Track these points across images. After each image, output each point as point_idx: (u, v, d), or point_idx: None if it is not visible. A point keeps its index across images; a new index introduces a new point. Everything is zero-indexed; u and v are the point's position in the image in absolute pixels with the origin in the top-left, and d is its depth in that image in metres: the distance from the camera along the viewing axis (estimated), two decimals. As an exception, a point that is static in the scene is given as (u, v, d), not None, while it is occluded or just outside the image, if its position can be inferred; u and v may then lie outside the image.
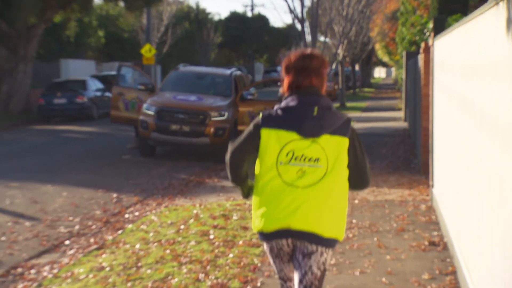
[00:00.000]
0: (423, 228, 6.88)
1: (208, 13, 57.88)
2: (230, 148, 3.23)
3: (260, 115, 3.16)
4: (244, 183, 3.31)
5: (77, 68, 34.62)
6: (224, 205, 8.18)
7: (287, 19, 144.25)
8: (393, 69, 77.14)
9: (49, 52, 34.25)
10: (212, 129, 12.62)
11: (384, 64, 71.60)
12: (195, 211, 7.82)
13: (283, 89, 3.24)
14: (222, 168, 12.05)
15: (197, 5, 56.47)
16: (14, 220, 7.49)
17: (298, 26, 18.49)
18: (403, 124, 20.34)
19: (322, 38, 42.16)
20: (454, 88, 5.59)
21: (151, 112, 12.80)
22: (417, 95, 12.02)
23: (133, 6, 25.31)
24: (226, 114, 12.81)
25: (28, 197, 8.82)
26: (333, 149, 3.07)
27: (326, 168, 3.05)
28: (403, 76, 22.15)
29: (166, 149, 14.56)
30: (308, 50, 3.22)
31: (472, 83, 4.35)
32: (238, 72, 15.05)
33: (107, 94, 24.57)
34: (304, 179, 3.04)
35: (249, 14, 67.97)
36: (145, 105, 13.02)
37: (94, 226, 7.43)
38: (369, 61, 57.09)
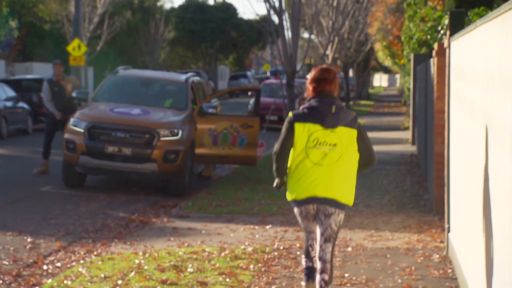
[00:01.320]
0: (436, 285, 6.93)
1: (157, 0, 58.11)
2: (277, 145, 5.75)
3: (291, 113, 5.73)
4: (284, 176, 5.81)
5: (-19, 70, 34.28)
6: (176, 253, 8.15)
7: (261, 10, 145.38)
8: (397, 76, 78.27)
9: None
10: (161, 153, 12.60)
11: (386, 70, 72.56)
12: (137, 261, 7.77)
13: (307, 93, 5.81)
14: (174, 203, 12.02)
15: (143, -11, 56.61)
16: None
17: (275, 18, 18.65)
18: (411, 148, 20.60)
19: (306, 35, 42.57)
20: (477, 103, 5.70)
21: (79, 129, 12.73)
22: (428, 110, 12.20)
23: (57, -11, 25.25)
24: (180, 133, 12.81)
25: None
26: (346, 137, 5.63)
27: (341, 151, 5.61)
28: (411, 86, 22.47)
29: (100, 178, 14.47)
30: (325, 66, 5.88)
31: (501, 97, 4.44)
32: (197, 78, 15.10)
33: (22, 105, 24.34)
34: (326, 159, 5.61)
35: (211, 1, 68.46)
36: (72, 120, 12.95)
37: (0, 282, 7.31)
38: (367, 65, 57.86)
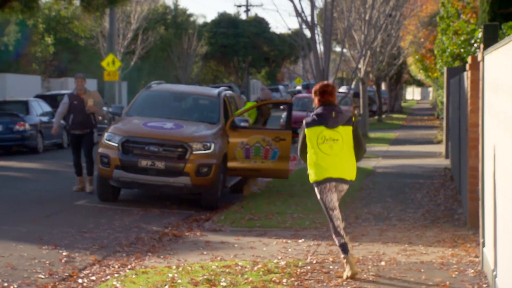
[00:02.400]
0: (472, 299, 6.84)
1: (190, 15, 58.50)
2: (298, 146, 7.94)
3: (304, 122, 7.80)
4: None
5: (17, 85, 34.76)
6: (209, 267, 8.15)
7: (293, 24, 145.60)
8: (430, 90, 77.75)
9: (-19, 64, 34.42)
10: (194, 166, 12.63)
11: (419, 83, 72.15)
12: (170, 275, 7.79)
13: (314, 103, 7.90)
14: (207, 217, 12.04)
15: (175, 5, 57.04)
16: None
17: (307, 32, 18.68)
18: (444, 162, 20.42)
19: (338, 49, 42.53)
20: (512, 116, 5.63)
21: (113, 144, 12.82)
22: (462, 124, 12.09)
23: (91, 6, 25.53)
24: (213, 147, 12.84)
25: (-50, 256, 8.77)
26: (344, 133, 7.72)
27: (342, 144, 7.69)
28: (444, 99, 22.30)
29: (133, 192, 14.56)
30: (326, 82, 8.00)
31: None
32: (229, 92, 15.14)
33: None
34: (333, 150, 7.68)
35: (243, 16, 68.72)
36: (106, 135, 13.06)
37: (36, 295, 7.38)
38: (399, 79, 57.59)
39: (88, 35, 36.08)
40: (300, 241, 9.85)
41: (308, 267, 8.12)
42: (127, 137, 12.78)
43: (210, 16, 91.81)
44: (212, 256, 8.98)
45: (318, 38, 18.73)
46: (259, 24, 63.73)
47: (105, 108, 29.60)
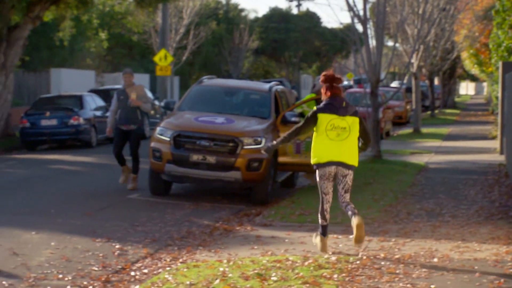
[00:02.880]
0: (526, 298, 6.73)
1: (242, 10, 58.63)
2: (298, 127, 8.57)
3: (315, 107, 8.45)
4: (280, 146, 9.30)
5: (71, 80, 35.32)
6: (259, 262, 8.16)
7: (345, 18, 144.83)
8: (485, 85, 76.54)
9: (37, 59, 35.06)
10: (244, 161, 12.67)
11: (473, 78, 71.09)
12: (221, 269, 7.82)
13: (323, 92, 8.52)
14: (257, 212, 12.07)
15: (227, 0, 57.22)
16: (-13, 277, 7.60)
17: (359, 27, 18.56)
18: (499, 158, 20.09)
19: (390, 43, 42.17)
20: None
21: (165, 138, 12.93)
22: (518, 119, 11.87)
23: (145, 1, 25.77)
24: (264, 141, 12.85)
25: (6, 248, 8.96)
26: (351, 122, 8.38)
27: (348, 132, 8.36)
28: (499, 94, 21.92)
29: (185, 186, 14.66)
30: (331, 72, 8.50)
31: None
32: (280, 87, 15.13)
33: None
34: (339, 137, 8.33)
35: (294, 11, 68.59)
36: (158, 129, 13.17)
37: (90, 287, 7.49)
38: (453, 73, 56.79)
39: (141, 30, 36.43)
40: (351, 236, 9.79)
41: (359, 263, 8.08)
42: (179, 131, 12.87)
43: (262, 11, 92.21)
44: (263, 250, 9.00)
45: (370, 32, 18.59)
46: (311, 18, 63.51)
47: (157, 102, 29.95)
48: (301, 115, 13.88)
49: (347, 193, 8.58)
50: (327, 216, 8.62)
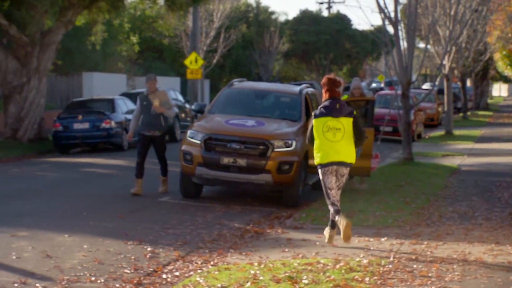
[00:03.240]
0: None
1: (272, 13, 58.61)
2: (308, 134, 9.29)
3: (313, 113, 9.22)
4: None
5: (103, 84, 35.59)
6: (290, 264, 8.15)
7: (375, 20, 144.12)
8: (518, 86, 75.58)
9: (69, 63, 35.39)
10: (275, 164, 12.66)
11: (506, 79, 70.36)
12: (252, 272, 7.82)
13: (323, 95, 9.24)
14: (288, 214, 12.06)
15: (258, 3, 57.27)
16: (21, 280, 7.68)
17: (390, 29, 18.46)
18: (533, 160, 19.84)
19: (421, 45, 41.90)
20: None
21: (196, 141, 12.97)
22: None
23: (175, 5, 25.90)
24: (294, 144, 12.83)
25: (40, 250, 9.05)
26: (346, 123, 9.10)
27: (343, 133, 9.07)
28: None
29: (216, 189, 14.69)
30: (334, 77, 9.26)
31: None
32: (310, 89, 15.11)
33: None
34: (336, 137, 9.06)
35: (325, 13, 68.44)
36: (188, 132, 13.21)
37: (122, 289, 7.54)
38: (486, 75, 56.26)
39: (172, 33, 36.60)
40: (382, 239, 9.75)
41: (391, 266, 8.03)
42: (209, 134, 12.90)
43: (292, 13, 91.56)
44: (294, 253, 8.98)
45: (402, 34, 18.48)
46: (341, 21, 63.30)
47: (187, 105, 30.05)
48: None
49: (339, 190, 9.28)
50: (339, 205, 9.19)
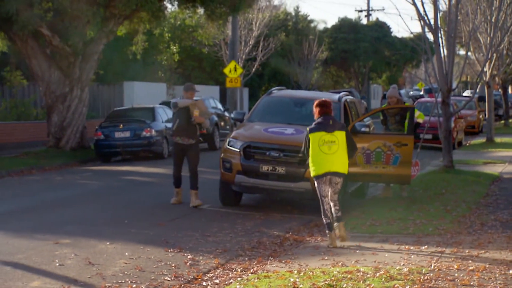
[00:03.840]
0: None
1: (311, 21, 58.57)
2: (304, 147, 10.28)
3: (308, 129, 10.15)
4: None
5: (144, 93, 35.89)
6: (330, 273, 8.12)
7: (415, 27, 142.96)
8: (560, 92, 74.37)
9: (110, 73, 35.77)
10: (314, 172, 12.60)
11: (548, 86, 69.28)
12: (292, 280, 7.81)
13: (315, 115, 10.27)
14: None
15: (297, 11, 57.29)
16: (64, 287, 7.78)
17: (430, 36, 18.31)
18: None
19: (462, 52, 41.47)
20: None
21: (235, 149, 13.00)
22: None
23: (215, 14, 26.02)
24: (334, 153, 12.76)
25: (82, 258, 9.15)
26: (339, 137, 10.06)
27: (338, 146, 10.02)
28: None
29: (255, 197, 14.70)
30: (323, 99, 10.46)
31: None
32: (349, 97, 15.06)
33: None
34: (331, 150, 10.00)
35: (364, 21, 68.18)
36: (228, 140, 13.25)
37: (162, 296, 7.58)
38: (527, 81, 55.36)
39: (211, 42, 36.79)
40: (423, 247, 9.66)
41: (432, 274, 7.95)
42: (248, 142, 12.93)
43: (331, 21, 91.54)
44: (333, 261, 8.95)
45: (442, 41, 18.32)
46: (380, 28, 62.99)
47: (226, 114, 30.15)
48: (417, 124, 14.60)
49: (335, 194, 10.10)
50: (329, 215, 10.03)
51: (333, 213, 10.03)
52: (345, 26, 61.69)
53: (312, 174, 10.08)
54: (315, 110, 10.25)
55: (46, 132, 25.32)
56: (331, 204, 10.04)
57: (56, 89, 24.27)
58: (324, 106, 10.20)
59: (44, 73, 24.17)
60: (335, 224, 10.00)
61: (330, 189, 10.00)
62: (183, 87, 14.03)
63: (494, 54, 28.49)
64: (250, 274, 8.42)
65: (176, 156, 13.82)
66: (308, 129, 10.12)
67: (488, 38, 25.73)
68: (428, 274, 7.97)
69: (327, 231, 10.09)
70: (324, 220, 10.09)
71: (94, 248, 9.73)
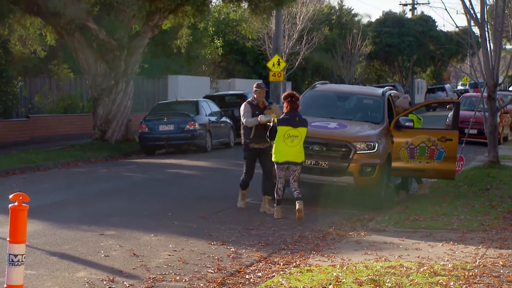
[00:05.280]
0: None
1: (355, 15, 58.21)
2: (270, 131, 11.81)
3: (276, 120, 11.70)
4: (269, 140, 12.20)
5: (188, 86, 36.07)
6: (373, 267, 8.07)
7: (461, 21, 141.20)
8: None
9: (155, 66, 36.02)
10: (357, 166, 12.57)
11: None
12: (335, 274, 7.78)
13: (284, 107, 11.77)
14: (370, 217, 11.95)
15: (340, 5, 56.99)
16: (109, 278, 7.85)
17: (476, 30, 18.06)
18: None
19: (509, 46, 40.82)
20: None
21: (279, 143, 12.97)
22: None
23: (259, 8, 26.00)
24: (377, 146, 12.71)
25: (127, 249, 9.24)
26: (302, 132, 11.76)
27: (299, 140, 11.75)
28: None
29: (298, 191, 14.65)
30: (292, 92, 11.89)
31: None
32: (393, 92, 14.93)
33: (225, 119, 25.26)
34: (293, 143, 11.71)
35: (408, 15, 67.50)
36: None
37: (205, 288, 7.61)
38: None
39: (255, 36, 36.79)
40: (467, 243, 9.54)
41: (477, 271, 7.85)
42: (292, 136, 12.89)
43: (375, 15, 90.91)
44: (376, 256, 8.89)
45: (488, 35, 18.05)
46: (425, 22, 62.29)
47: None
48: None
49: (295, 182, 11.66)
50: (280, 193, 11.81)
51: (294, 195, 11.56)
52: (390, 20, 61.16)
53: (273, 159, 11.71)
54: (285, 103, 11.54)
55: (92, 125, 25.63)
56: (293, 189, 11.64)
57: (101, 82, 24.52)
58: (292, 101, 11.50)
59: (90, 66, 24.44)
60: (297, 201, 11.46)
61: (290, 176, 11.62)
62: (255, 85, 12.51)
63: (542, 48, 27.94)
64: (292, 268, 8.41)
65: (250, 161, 12.45)
66: (277, 120, 11.52)
67: (536, 32, 25.25)
68: (472, 270, 7.87)
69: (275, 205, 11.78)
70: (275, 196, 11.80)
71: (138, 240, 9.81)
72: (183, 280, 7.86)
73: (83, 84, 30.99)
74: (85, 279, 7.78)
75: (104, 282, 7.67)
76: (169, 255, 8.98)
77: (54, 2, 21.86)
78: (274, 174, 11.97)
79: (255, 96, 12.35)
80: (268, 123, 12.01)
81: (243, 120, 12.34)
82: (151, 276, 7.95)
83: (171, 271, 8.19)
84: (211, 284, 7.76)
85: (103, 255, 8.88)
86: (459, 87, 63.58)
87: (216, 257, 8.93)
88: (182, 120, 23.16)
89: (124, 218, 11.43)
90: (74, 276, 7.90)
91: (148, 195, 14.11)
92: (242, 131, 12.46)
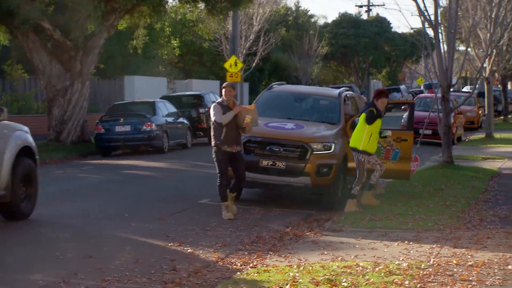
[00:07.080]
0: None
1: (311, 16, 58.55)
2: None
3: (374, 111, 12.69)
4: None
5: (144, 87, 35.87)
6: (329, 267, 8.12)
7: (415, 23, 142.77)
8: (560, 88, 74.30)
9: (111, 67, 35.76)
10: (314, 166, 12.64)
11: (548, 82, 69.21)
12: (291, 274, 7.81)
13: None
14: (327, 217, 12.02)
15: (297, 6, 57.26)
16: (64, 280, 7.76)
17: (430, 31, 18.29)
18: None
19: (462, 48, 41.45)
20: None
21: (236, 144, 12.98)
22: None
23: (215, 9, 25.99)
24: (333, 147, 12.80)
25: (83, 251, 9.14)
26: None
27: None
28: None
29: (255, 191, 14.69)
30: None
31: None
32: (349, 93, 15.05)
33: (182, 120, 25.18)
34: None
35: (364, 16, 68.12)
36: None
37: (162, 290, 7.57)
38: (527, 77, 55.34)
39: (212, 37, 36.77)
40: (422, 243, 9.66)
41: (431, 269, 7.95)
42: (248, 137, 12.91)
43: (331, 16, 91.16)
44: (333, 256, 8.95)
45: (442, 37, 18.30)
46: (381, 24, 62.95)
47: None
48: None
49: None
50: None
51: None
52: (346, 21, 61.66)
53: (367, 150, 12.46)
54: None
55: (46, 126, 25.33)
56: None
57: (57, 83, 24.26)
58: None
59: (45, 67, 24.15)
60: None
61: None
62: (225, 85, 12.09)
63: (494, 50, 28.48)
64: (250, 269, 8.42)
65: (223, 163, 11.93)
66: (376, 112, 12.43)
67: (488, 34, 25.72)
68: (427, 269, 7.97)
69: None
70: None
71: (94, 241, 9.72)
72: (141, 281, 7.80)
73: (37, 84, 30.62)
74: (40, 282, 7.68)
75: (62, 285, 7.58)
76: (125, 256, 8.91)
77: (8, 2, 21.56)
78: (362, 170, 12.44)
79: (224, 97, 11.90)
80: (245, 124, 11.71)
81: (215, 119, 11.79)
82: (107, 278, 7.88)
83: (127, 273, 8.13)
84: (167, 285, 7.72)
85: (58, 257, 8.77)
86: (421, 88, 64.35)
87: (173, 258, 8.89)
88: (139, 121, 23.04)
89: (80, 220, 11.31)
90: (29, 279, 7.79)
91: (104, 196, 13.99)
92: (212, 133, 12.00)
